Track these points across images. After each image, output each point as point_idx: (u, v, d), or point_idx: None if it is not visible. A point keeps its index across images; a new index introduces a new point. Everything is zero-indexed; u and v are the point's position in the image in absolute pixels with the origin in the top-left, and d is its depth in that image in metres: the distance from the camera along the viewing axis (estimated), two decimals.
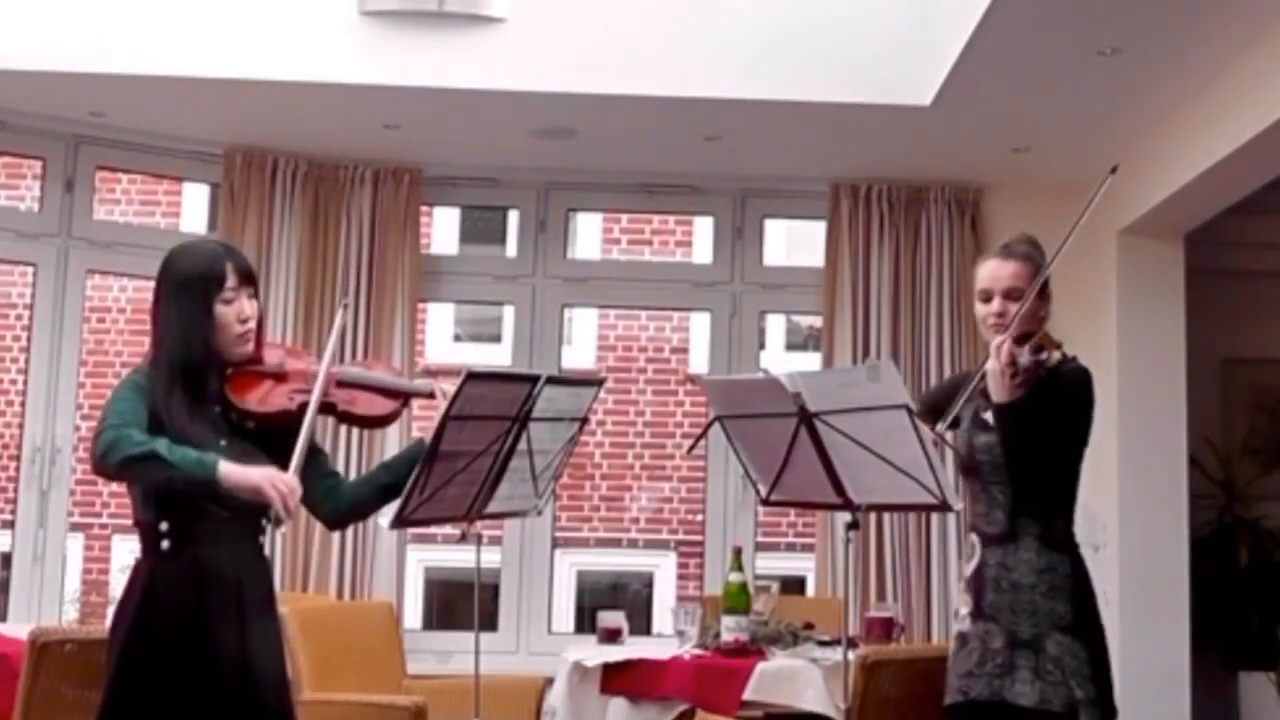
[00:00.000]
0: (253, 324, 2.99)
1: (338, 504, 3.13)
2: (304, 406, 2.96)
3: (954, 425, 3.47)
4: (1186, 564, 5.80)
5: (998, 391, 3.24)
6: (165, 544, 2.89)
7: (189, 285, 2.95)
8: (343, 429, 5.67)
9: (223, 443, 2.91)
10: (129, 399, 2.86)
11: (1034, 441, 3.24)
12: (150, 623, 2.87)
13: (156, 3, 5.29)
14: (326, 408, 3.03)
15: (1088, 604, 3.31)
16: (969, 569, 3.42)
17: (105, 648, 2.97)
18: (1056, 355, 3.31)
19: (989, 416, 3.34)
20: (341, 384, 3.07)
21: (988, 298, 3.40)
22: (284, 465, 2.85)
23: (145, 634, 2.87)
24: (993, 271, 3.42)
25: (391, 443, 5.78)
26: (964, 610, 3.40)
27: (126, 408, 2.83)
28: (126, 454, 2.74)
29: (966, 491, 3.49)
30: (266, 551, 3.03)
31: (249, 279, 3.00)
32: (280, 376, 3.03)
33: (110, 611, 3.15)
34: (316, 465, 3.04)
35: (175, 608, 2.87)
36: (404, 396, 3.15)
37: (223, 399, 2.98)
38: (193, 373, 2.93)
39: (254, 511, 2.92)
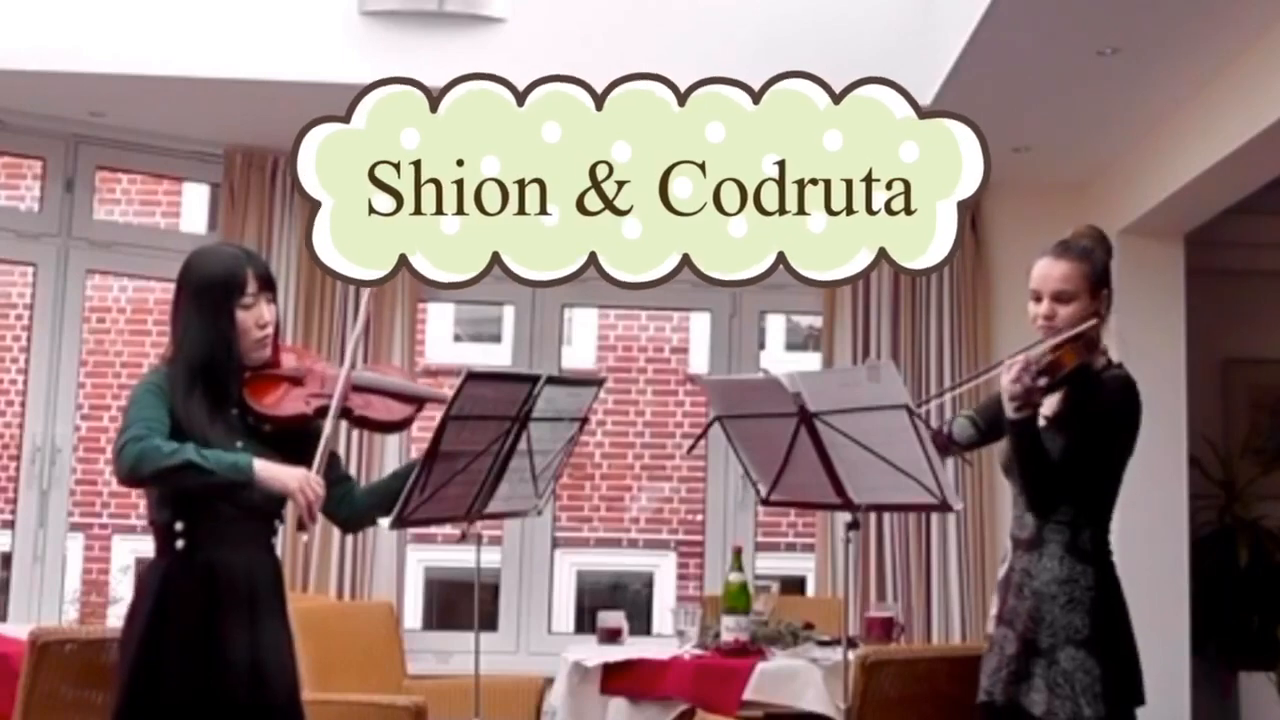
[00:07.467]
0: (271, 329, 3.02)
1: (354, 508, 3.15)
2: (320, 410, 2.98)
3: (996, 433, 3.39)
4: (1186, 564, 5.79)
5: (1006, 405, 3.15)
6: (180, 544, 2.91)
7: (210, 290, 2.97)
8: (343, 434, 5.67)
9: (239, 444, 2.93)
10: (149, 403, 2.88)
11: (1071, 452, 3.18)
12: (165, 623, 2.89)
13: (157, 3, 5.29)
14: (343, 413, 3.04)
15: (1110, 619, 3.23)
16: (1001, 571, 3.40)
17: (117, 647, 2.99)
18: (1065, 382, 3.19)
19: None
20: (357, 388, 3.09)
21: (1038, 298, 3.30)
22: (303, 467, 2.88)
23: (160, 634, 2.88)
24: (1043, 271, 3.30)
25: (391, 448, 5.79)
26: (992, 612, 3.40)
27: (149, 414, 2.85)
28: (160, 465, 2.77)
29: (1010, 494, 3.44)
30: (278, 551, 3.06)
31: (269, 285, 3.02)
32: (296, 380, 3.05)
33: (111, 611, 3.16)
34: (332, 470, 3.05)
35: (189, 608, 2.89)
36: (419, 402, 3.16)
37: (240, 402, 2.99)
38: (212, 376, 2.95)
39: (266, 511, 2.97)
